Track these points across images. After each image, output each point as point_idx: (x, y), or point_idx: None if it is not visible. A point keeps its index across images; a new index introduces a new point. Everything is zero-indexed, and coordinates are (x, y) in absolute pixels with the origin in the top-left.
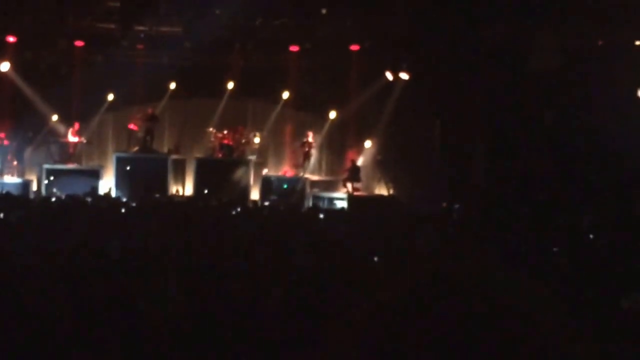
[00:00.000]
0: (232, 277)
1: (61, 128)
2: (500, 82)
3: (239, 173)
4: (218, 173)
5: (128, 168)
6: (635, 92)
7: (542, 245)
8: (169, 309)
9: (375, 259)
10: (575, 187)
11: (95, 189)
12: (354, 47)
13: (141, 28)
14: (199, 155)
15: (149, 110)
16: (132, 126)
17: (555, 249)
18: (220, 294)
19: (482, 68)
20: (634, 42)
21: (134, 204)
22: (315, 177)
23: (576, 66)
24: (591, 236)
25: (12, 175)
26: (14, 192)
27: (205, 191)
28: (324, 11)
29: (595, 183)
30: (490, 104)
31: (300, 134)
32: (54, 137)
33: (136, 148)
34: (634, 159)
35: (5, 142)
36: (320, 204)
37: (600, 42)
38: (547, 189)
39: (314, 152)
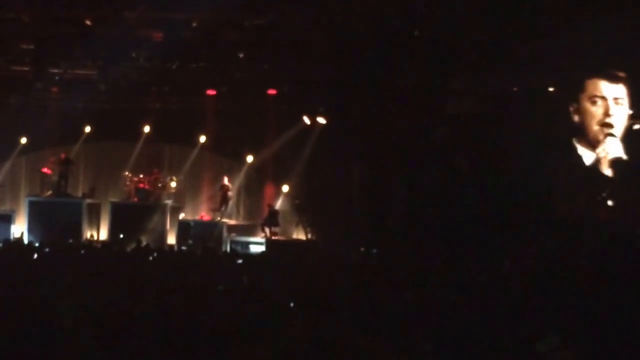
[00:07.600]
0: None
1: None
2: (417, 126)
3: (155, 217)
4: (134, 217)
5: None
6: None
7: (460, 291)
8: None
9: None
10: (493, 232)
11: (7, 234)
12: (271, 91)
13: (55, 71)
14: (114, 199)
15: (62, 155)
16: (45, 170)
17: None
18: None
19: (399, 112)
20: (547, 88)
21: (47, 250)
22: (232, 222)
23: (492, 111)
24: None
25: None
26: None
27: (121, 236)
28: (241, 55)
29: (512, 227)
30: (408, 148)
31: (217, 178)
32: None
33: (50, 192)
34: (549, 202)
35: None
36: (238, 248)
37: (515, 89)
38: (465, 234)
39: (231, 196)
